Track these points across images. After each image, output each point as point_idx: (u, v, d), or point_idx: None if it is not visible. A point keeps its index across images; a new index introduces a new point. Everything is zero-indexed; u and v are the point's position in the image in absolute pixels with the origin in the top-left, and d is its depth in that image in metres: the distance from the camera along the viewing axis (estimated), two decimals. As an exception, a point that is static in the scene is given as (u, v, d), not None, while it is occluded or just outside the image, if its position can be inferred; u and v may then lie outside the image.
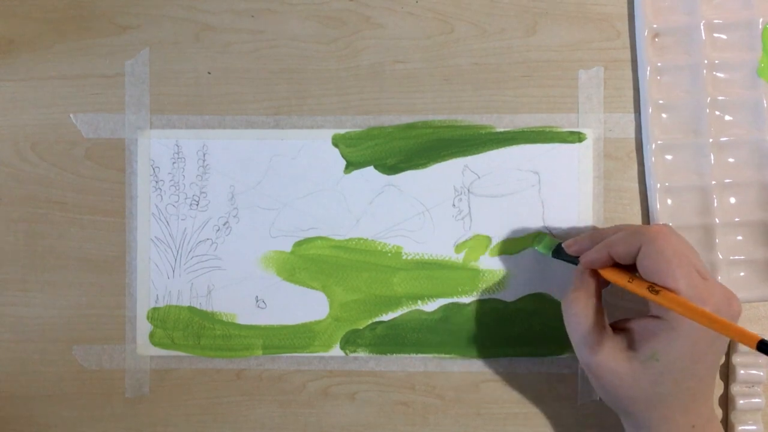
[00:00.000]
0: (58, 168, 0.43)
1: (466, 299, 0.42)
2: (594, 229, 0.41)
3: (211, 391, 0.43)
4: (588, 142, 0.42)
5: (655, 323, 0.34)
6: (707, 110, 0.41)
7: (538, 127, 0.42)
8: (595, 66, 0.42)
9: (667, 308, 0.32)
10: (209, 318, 0.42)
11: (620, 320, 0.36)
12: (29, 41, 0.43)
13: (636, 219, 0.42)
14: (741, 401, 0.41)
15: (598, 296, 0.36)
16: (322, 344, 0.42)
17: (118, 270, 0.43)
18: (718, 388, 0.42)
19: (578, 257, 0.37)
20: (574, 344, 0.35)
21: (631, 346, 0.34)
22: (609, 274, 0.35)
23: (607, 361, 0.34)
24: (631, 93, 0.42)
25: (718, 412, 0.42)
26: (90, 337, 0.43)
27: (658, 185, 0.41)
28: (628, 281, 0.34)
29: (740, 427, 0.41)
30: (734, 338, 0.30)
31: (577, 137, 0.42)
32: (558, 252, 0.39)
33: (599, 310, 0.35)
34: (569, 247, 0.38)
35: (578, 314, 0.34)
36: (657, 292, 0.33)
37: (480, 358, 0.42)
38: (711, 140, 0.41)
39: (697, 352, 0.33)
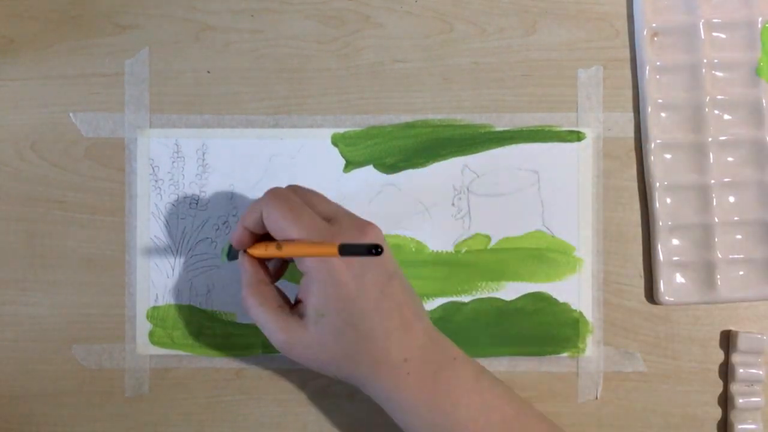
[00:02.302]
0: (58, 167, 0.43)
1: (466, 298, 0.42)
2: None
3: (210, 390, 0.43)
4: (587, 141, 0.42)
5: (305, 281, 0.33)
6: (706, 109, 0.41)
7: (537, 126, 0.42)
8: (594, 65, 0.42)
9: (300, 263, 0.33)
10: (209, 317, 0.42)
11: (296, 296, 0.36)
12: (29, 41, 0.43)
13: (635, 218, 0.42)
14: (740, 400, 0.41)
15: (267, 281, 0.36)
16: (321, 343, 0.42)
17: (118, 269, 0.43)
18: (718, 387, 0.42)
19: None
20: (265, 333, 0.34)
21: (303, 313, 0.33)
22: (253, 251, 0.36)
23: (291, 337, 0.33)
24: (630, 92, 0.42)
25: (718, 412, 0.42)
26: (90, 337, 0.43)
27: (658, 184, 0.41)
28: (265, 249, 0.35)
29: (740, 426, 0.41)
30: (320, 255, 0.31)
31: (576, 136, 0.42)
32: (230, 253, 0.39)
33: (272, 292, 0.35)
34: (235, 242, 0.37)
35: (255, 306, 0.34)
36: (281, 248, 0.33)
37: (479, 358, 0.42)
38: (710, 139, 0.41)
39: (348, 291, 0.32)
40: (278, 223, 0.33)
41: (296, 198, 0.34)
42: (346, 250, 0.29)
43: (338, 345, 0.33)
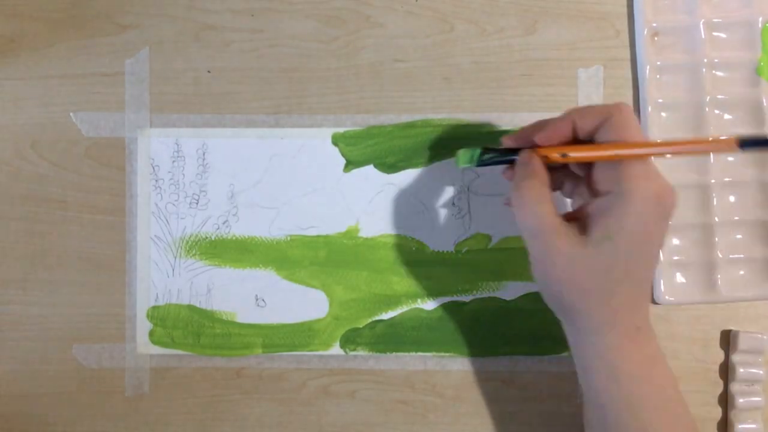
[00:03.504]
0: (59, 167, 0.43)
1: (466, 298, 0.42)
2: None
3: (211, 390, 0.43)
4: (588, 141, 0.42)
5: (608, 199, 0.31)
6: (707, 109, 0.41)
7: (537, 126, 0.42)
8: (594, 65, 0.42)
9: (625, 174, 0.31)
10: (209, 316, 0.42)
11: (570, 212, 0.35)
12: (30, 40, 0.43)
13: (636, 218, 0.42)
14: (741, 400, 0.41)
15: (549, 184, 0.33)
16: (321, 343, 0.42)
17: (118, 269, 0.43)
18: (718, 387, 0.42)
19: (515, 151, 0.35)
20: (528, 235, 0.32)
21: (585, 230, 0.32)
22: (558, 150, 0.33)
23: (563, 247, 0.31)
24: (630, 92, 0.42)
25: (718, 412, 0.42)
26: (90, 336, 0.43)
27: (658, 184, 0.41)
28: (590, 150, 0.32)
29: (740, 426, 0.41)
30: (713, 150, 0.30)
31: (576, 136, 0.42)
32: (485, 157, 0.35)
33: (551, 199, 0.33)
34: (509, 140, 0.35)
35: (532, 202, 0.32)
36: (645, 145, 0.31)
37: (480, 357, 0.42)
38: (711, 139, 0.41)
39: (647, 231, 0.31)
40: (627, 135, 0.31)
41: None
42: (749, 143, 0.27)
43: (602, 277, 0.31)
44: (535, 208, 0.32)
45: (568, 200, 0.37)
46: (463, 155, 0.36)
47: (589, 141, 0.33)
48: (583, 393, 0.35)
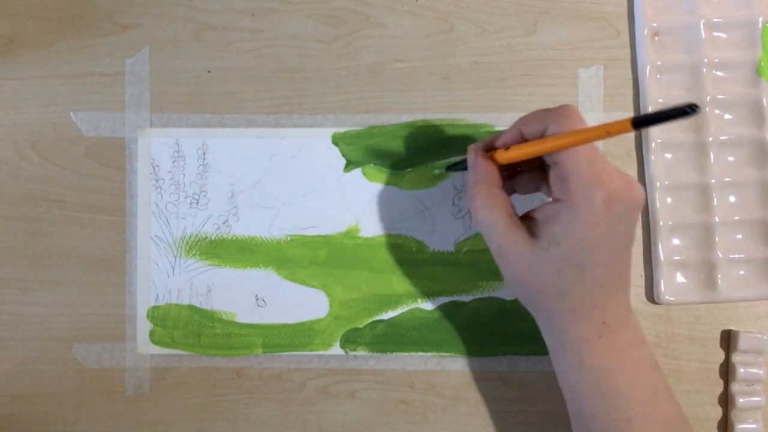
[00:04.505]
0: (59, 167, 0.43)
1: (466, 298, 0.42)
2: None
3: (211, 390, 0.43)
4: (588, 141, 0.42)
5: (556, 206, 0.33)
6: (707, 109, 0.41)
7: (537, 126, 0.42)
8: (594, 65, 0.42)
9: (572, 183, 0.31)
10: (209, 316, 0.42)
11: (526, 212, 0.35)
12: (30, 40, 0.43)
13: (636, 218, 0.42)
14: (741, 400, 0.41)
15: (500, 185, 0.35)
16: (322, 343, 0.42)
17: (118, 268, 0.43)
18: (718, 387, 0.42)
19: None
20: (485, 237, 0.34)
21: (535, 233, 0.33)
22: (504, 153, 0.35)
23: (513, 248, 0.33)
24: (630, 92, 0.42)
25: (718, 411, 0.42)
26: (90, 336, 0.43)
27: (658, 183, 0.41)
28: (521, 148, 0.33)
29: (740, 426, 0.41)
30: (612, 133, 0.30)
31: (576, 136, 0.42)
32: (454, 163, 0.40)
33: (504, 199, 0.34)
34: (472, 149, 0.36)
35: (483, 205, 0.34)
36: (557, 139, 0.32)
37: (480, 357, 0.42)
38: (711, 139, 0.41)
39: (597, 235, 0.31)
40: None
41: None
42: (643, 120, 0.28)
43: (555, 278, 0.32)
44: (486, 211, 0.34)
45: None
46: (442, 164, 0.42)
47: None
48: (561, 388, 0.36)
